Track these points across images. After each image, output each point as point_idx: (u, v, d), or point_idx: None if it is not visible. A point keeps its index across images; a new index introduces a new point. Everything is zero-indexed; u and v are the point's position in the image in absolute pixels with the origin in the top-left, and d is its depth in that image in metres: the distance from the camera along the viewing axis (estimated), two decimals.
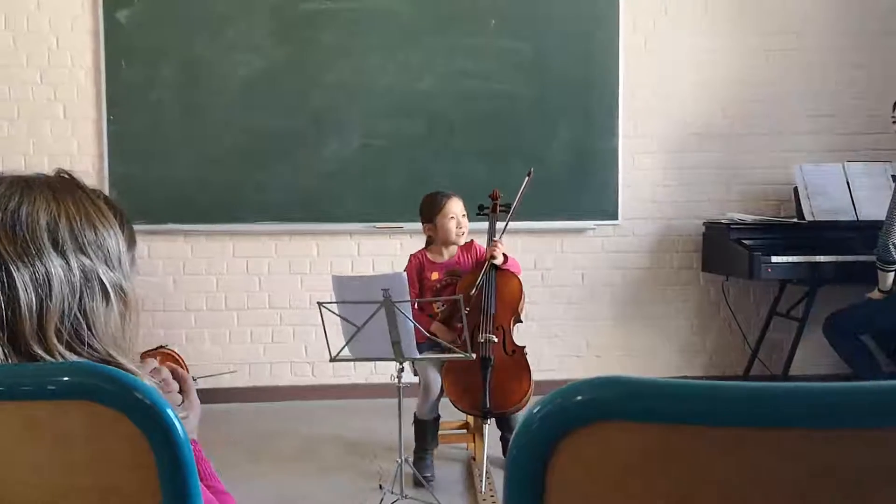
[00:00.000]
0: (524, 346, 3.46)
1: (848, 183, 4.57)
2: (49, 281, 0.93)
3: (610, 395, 0.65)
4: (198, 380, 4.47)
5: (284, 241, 4.78)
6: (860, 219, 4.46)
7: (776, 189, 4.93)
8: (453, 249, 3.66)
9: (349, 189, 4.68)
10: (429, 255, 3.65)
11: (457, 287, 3.50)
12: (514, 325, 3.52)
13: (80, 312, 0.95)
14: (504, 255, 3.52)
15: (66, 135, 4.64)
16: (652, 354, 4.99)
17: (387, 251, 4.76)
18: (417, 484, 3.27)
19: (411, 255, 3.69)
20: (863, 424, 0.62)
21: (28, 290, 0.91)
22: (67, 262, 0.95)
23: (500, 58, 4.72)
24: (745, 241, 4.42)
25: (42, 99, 4.62)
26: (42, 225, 0.94)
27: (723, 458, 0.64)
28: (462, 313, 2.97)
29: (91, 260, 0.97)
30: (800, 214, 4.57)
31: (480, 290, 3.41)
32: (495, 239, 3.55)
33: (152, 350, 4.46)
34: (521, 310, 3.57)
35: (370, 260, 4.79)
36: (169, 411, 0.76)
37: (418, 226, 3.77)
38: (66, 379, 0.77)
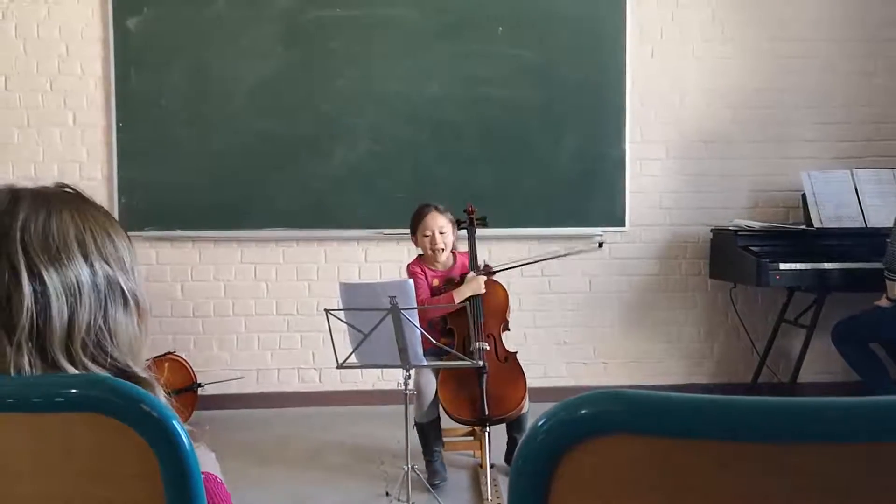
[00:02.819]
0: (516, 352, 3.53)
1: (856, 189, 4.55)
2: (80, 288, 0.95)
3: (614, 409, 0.65)
4: (205, 386, 4.51)
5: (292, 247, 4.79)
6: (868, 226, 4.44)
7: (784, 196, 4.92)
8: (446, 259, 3.69)
9: (357, 195, 4.69)
10: (425, 264, 3.68)
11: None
12: (503, 332, 3.59)
13: (104, 322, 0.97)
14: (490, 274, 3.60)
15: (76, 142, 4.66)
16: (659, 361, 4.98)
17: (394, 257, 4.76)
18: (431, 485, 3.29)
19: (410, 265, 3.69)
20: (866, 439, 0.62)
21: (60, 298, 0.93)
22: (93, 271, 0.97)
23: (508, 64, 4.73)
24: (752, 248, 4.40)
25: (52, 106, 4.64)
26: (72, 236, 0.97)
27: (727, 472, 0.64)
28: (469, 320, 3.00)
29: (112, 269, 1.00)
30: (808, 221, 4.55)
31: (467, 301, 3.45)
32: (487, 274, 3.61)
33: (160, 356, 4.47)
34: (509, 317, 3.64)
35: (377, 266, 4.80)
36: (175, 423, 0.76)
37: None
38: (73, 391, 0.77)
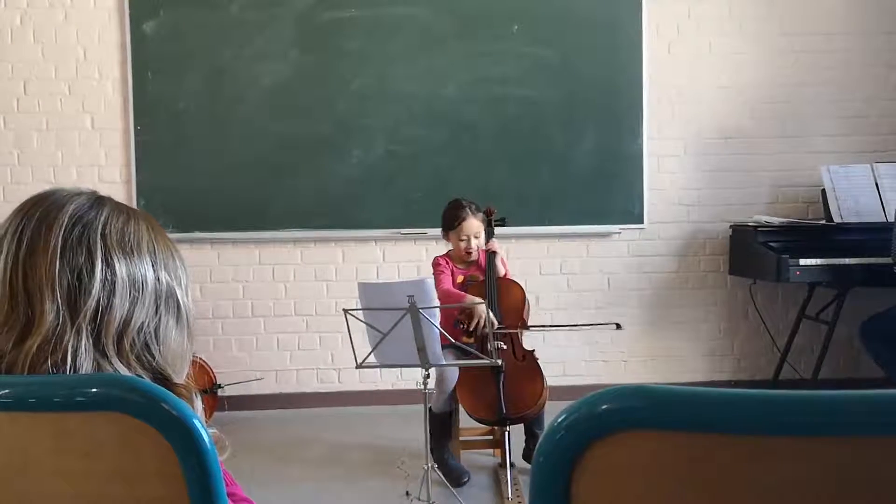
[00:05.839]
0: (534, 350, 3.53)
1: (877, 184, 4.50)
2: (144, 286, 1.01)
3: (635, 405, 0.65)
4: (225, 387, 4.53)
5: (310, 247, 4.80)
6: (890, 220, 4.39)
7: (804, 191, 4.88)
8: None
9: (374, 195, 4.69)
10: (451, 260, 3.69)
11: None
12: (521, 331, 3.58)
13: (157, 326, 1.02)
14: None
15: (94, 145, 4.70)
16: (679, 359, 4.95)
17: (412, 257, 4.76)
18: (458, 485, 3.34)
19: (438, 257, 3.70)
20: (889, 432, 0.61)
21: (125, 289, 0.99)
22: (158, 277, 1.04)
23: (524, 63, 4.72)
24: (772, 244, 4.37)
25: (70, 110, 4.68)
26: (144, 242, 1.04)
27: (749, 466, 0.63)
28: (487, 320, 3.00)
29: (173, 282, 1.06)
30: (828, 216, 4.51)
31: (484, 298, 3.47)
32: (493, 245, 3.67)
33: None
34: (527, 317, 3.63)
35: (395, 266, 4.80)
36: (196, 422, 0.76)
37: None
38: (95, 391, 0.78)
